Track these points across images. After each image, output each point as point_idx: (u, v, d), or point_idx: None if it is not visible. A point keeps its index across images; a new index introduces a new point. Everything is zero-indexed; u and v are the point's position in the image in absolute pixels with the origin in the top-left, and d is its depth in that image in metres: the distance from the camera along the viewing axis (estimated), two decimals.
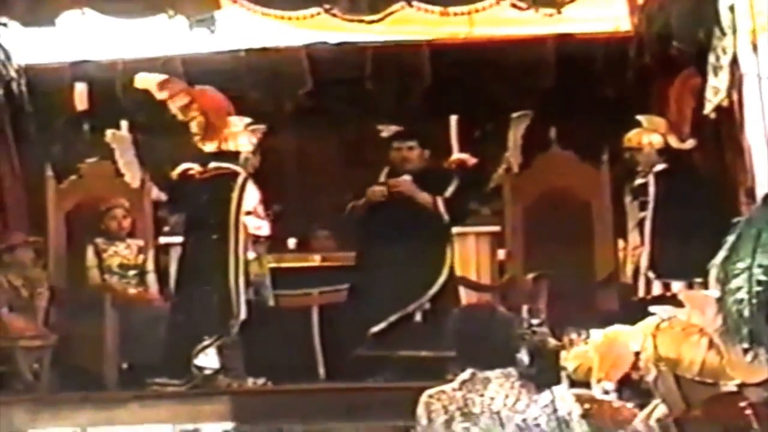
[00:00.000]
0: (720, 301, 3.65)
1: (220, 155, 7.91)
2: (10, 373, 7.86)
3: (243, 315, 7.71)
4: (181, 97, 7.92)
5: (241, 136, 7.93)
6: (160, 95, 7.93)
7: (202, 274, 7.81)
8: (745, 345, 3.64)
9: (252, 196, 7.91)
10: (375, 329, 7.80)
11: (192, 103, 7.90)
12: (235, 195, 7.83)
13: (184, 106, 7.91)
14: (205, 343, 7.68)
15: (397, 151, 8.12)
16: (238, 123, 7.97)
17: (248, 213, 7.87)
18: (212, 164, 7.94)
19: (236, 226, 7.79)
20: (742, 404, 3.77)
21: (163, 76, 8.04)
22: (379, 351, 7.80)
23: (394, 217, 7.97)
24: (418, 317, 7.83)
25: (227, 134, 7.91)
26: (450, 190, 8.09)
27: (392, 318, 7.79)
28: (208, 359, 7.73)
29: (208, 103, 7.95)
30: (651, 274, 7.77)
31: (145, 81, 8.01)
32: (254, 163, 7.95)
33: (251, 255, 7.86)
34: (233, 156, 7.90)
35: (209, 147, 7.92)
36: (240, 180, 7.86)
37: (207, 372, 7.73)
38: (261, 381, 7.80)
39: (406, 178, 8.09)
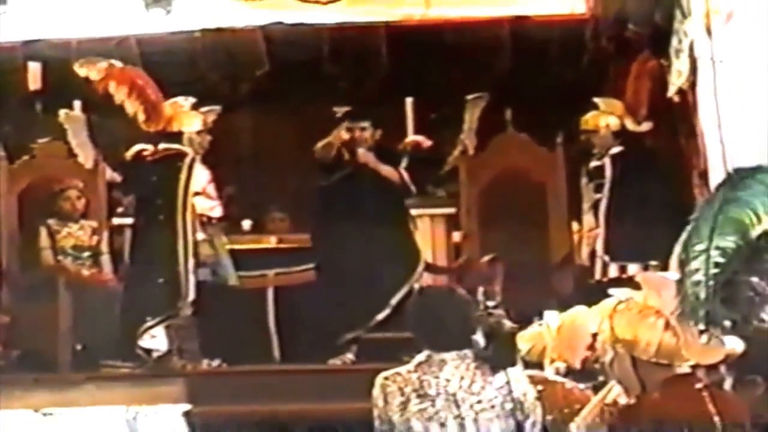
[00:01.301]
0: (680, 283, 3.69)
1: (169, 136, 7.85)
2: None
3: (192, 296, 7.67)
4: (108, 80, 7.79)
5: (187, 116, 7.87)
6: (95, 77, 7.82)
7: (151, 255, 7.77)
8: (702, 326, 3.68)
9: (201, 177, 7.85)
10: (380, 316, 7.69)
11: (118, 86, 7.79)
12: (183, 175, 7.77)
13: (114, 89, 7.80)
14: (148, 324, 7.63)
15: (349, 131, 8.04)
16: (183, 103, 7.91)
17: (197, 194, 7.82)
18: (161, 145, 7.88)
19: (184, 207, 7.74)
20: (698, 386, 3.80)
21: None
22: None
23: (353, 196, 7.90)
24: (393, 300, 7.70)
25: (172, 115, 7.85)
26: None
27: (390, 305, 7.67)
28: (155, 341, 7.68)
29: (131, 85, 7.81)
30: (606, 257, 7.80)
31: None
32: (202, 143, 7.87)
33: (201, 236, 7.81)
34: (180, 136, 7.84)
35: (154, 129, 7.85)
36: (187, 160, 7.80)
37: (156, 354, 7.68)
38: (216, 363, 7.78)
39: (366, 151, 8.01)
